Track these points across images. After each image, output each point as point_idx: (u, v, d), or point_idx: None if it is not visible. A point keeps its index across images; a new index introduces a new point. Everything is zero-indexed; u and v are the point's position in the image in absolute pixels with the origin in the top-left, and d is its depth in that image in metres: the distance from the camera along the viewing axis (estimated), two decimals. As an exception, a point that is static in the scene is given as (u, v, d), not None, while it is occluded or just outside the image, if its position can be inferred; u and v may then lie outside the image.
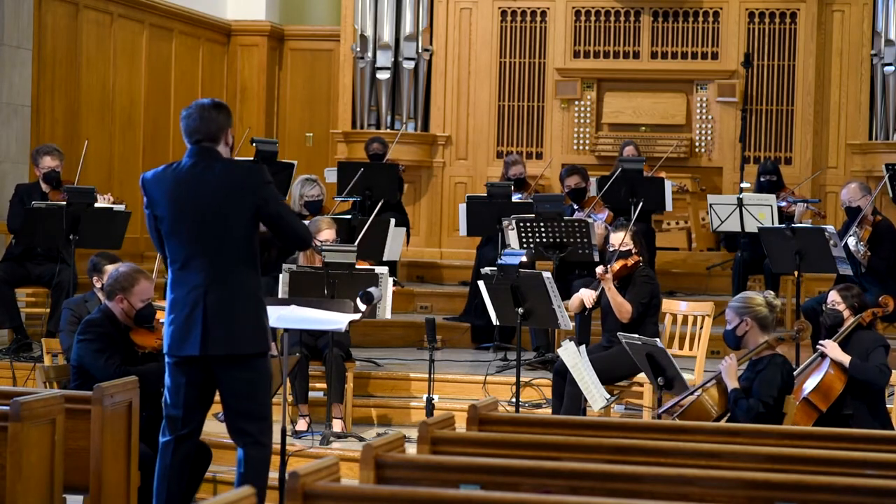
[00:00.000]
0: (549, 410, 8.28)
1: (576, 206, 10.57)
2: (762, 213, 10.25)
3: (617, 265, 8.13)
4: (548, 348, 9.39)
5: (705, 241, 12.37)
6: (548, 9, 12.97)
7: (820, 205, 11.36)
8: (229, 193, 5.57)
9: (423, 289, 11.75)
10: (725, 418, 6.66)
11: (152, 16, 12.31)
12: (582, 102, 12.86)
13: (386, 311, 8.07)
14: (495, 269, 7.86)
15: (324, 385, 8.17)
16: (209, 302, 5.54)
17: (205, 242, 5.57)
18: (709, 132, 12.70)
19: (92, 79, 11.47)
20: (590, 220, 9.35)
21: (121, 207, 9.25)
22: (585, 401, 7.54)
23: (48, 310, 9.18)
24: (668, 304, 8.55)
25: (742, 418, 6.47)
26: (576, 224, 9.17)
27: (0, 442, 5.20)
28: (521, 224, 9.19)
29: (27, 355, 9.14)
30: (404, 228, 10.87)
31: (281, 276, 7.90)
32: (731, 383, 6.63)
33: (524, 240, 9.16)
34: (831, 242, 8.66)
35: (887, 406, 7.31)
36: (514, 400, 7.99)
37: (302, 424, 8.09)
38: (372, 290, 6.67)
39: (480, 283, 8.08)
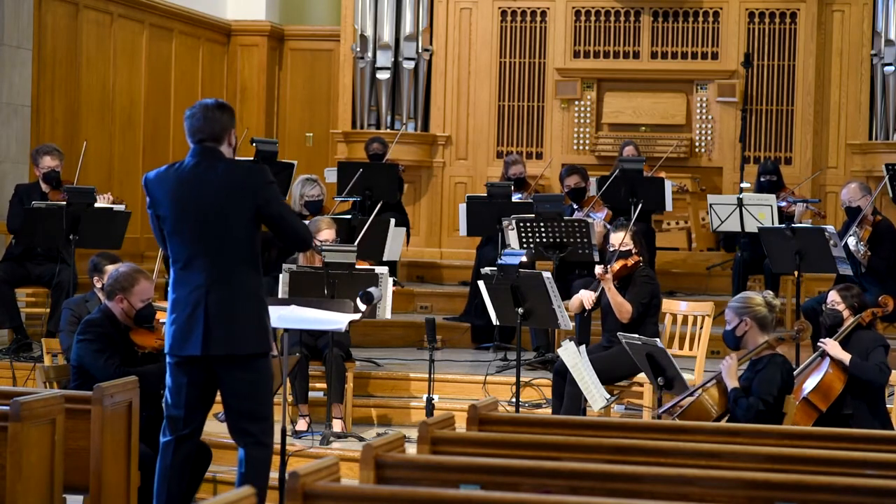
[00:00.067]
0: (549, 410, 8.28)
1: (575, 206, 10.57)
2: (762, 213, 10.25)
3: (617, 265, 8.13)
4: (548, 348, 9.39)
5: (705, 241, 12.37)
6: (548, 9, 12.97)
7: (820, 205, 11.36)
8: (231, 193, 5.57)
9: (423, 289, 11.75)
10: (725, 418, 6.66)
11: (152, 16, 12.31)
12: (582, 102, 12.86)
13: (386, 311, 8.07)
14: (495, 269, 7.86)
15: (324, 385, 8.17)
16: (211, 302, 5.55)
17: (207, 242, 5.58)
18: (709, 132, 12.71)
19: (92, 79, 11.47)
20: (589, 220, 9.35)
21: (121, 207, 9.25)
22: (585, 401, 7.54)
23: (48, 310, 9.18)
24: (668, 304, 8.55)
25: (742, 417, 6.47)
26: (576, 224, 9.17)
27: (0, 442, 5.20)
28: (521, 224, 9.19)
29: (27, 355, 9.14)
30: (404, 228, 10.87)
31: (281, 276, 7.90)
32: (731, 383, 6.63)
33: (524, 240, 9.16)
34: (831, 242, 8.66)
35: (887, 406, 7.31)
36: (514, 400, 7.99)
37: (302, 424, 8.09)
38: (372, 290, 6.67)
39: (480, 283, 8.08)
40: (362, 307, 6.55)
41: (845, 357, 7.17)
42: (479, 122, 13.08)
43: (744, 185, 11.75)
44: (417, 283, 12.11)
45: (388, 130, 12.86)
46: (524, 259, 7.96)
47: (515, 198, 10.53)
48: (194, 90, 12.95)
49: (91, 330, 6.49)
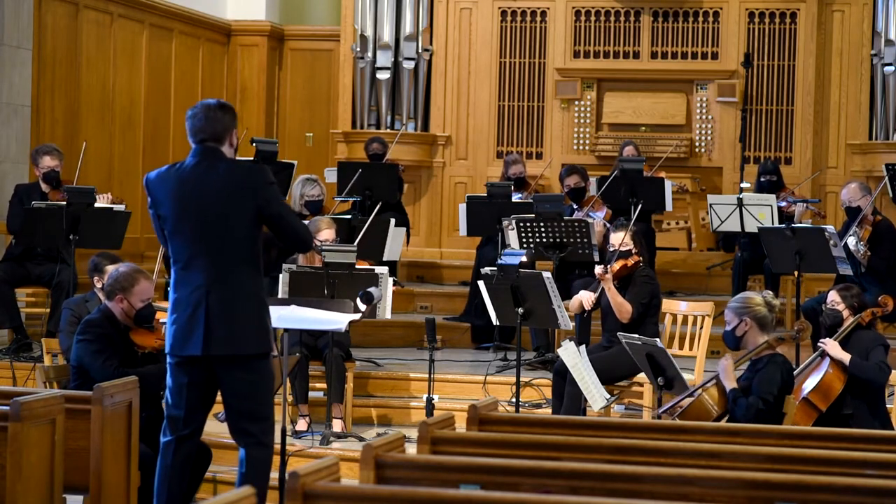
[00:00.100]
0: (549, 410, 8.28)
1: (575, 206, 10.57)
2: (762, 213, 10.25)
3: (617, 265, 8.13)
4: (548, 348, 9.39)
5: (705, 241, 12.37)
6: (548, 9, 12.97)
7: (820, 205, 11.36)
8: (232, 194, 5.57)
9: (423, 289, 11.75)
10: (725, 418, 6.66)
11: (152, 16, 12.31)
12: (582, 102, 12.86)
13: (386, 311, 8.07)
14: (495, 269, 7.86)
15: (324, 385, 8.17)
16: (211, 302, 5.55)
17: (207, 242, 5.58)
18: (709, 132, 12.71)
19: (92, 79, 11.47)
20: (589, 220, 9.35)
21: (121, 207, 9.24)
22: (585, 401, 7.54)
23: (48, 310, 9.18)
24: (668, 304, 8.55)
25: (741, 417, 6.47)
26: (576, 224, 9.17)
27: (0, 442, 5.20)
28: (521, 224, 9.19)
29: (27, 355, 9.14)
30: (404, 228, 10.87)
31: (281, 276, 7.89)
32: (730, 383, 6.63)
33: (524, 240, 9.16)
34: (831, 242, 8.66)
35: (887, 406, 7.31)
36: (514, 400, 7.99)
37: (302, 424, 8.09)
38: (372, 290, 6.67)
39: (480, 283, 8.08)
40: (362, 307, 6.55)
41: (845, 357, 7.17)
42: (479, 122, 13.08)
43: (744, 185, 11.75)
44: (417, 283, 12.11)
45: (388, 130, 12.86)
46: (524, 259, 7.96)
47: (515, 197, 10.53)
48: (194, 90, 12.95)
49: (90, 330, 6.49)
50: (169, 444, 5.72)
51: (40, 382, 6.73)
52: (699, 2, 12.71)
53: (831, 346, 7.24)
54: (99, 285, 7.42)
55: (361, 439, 7.85)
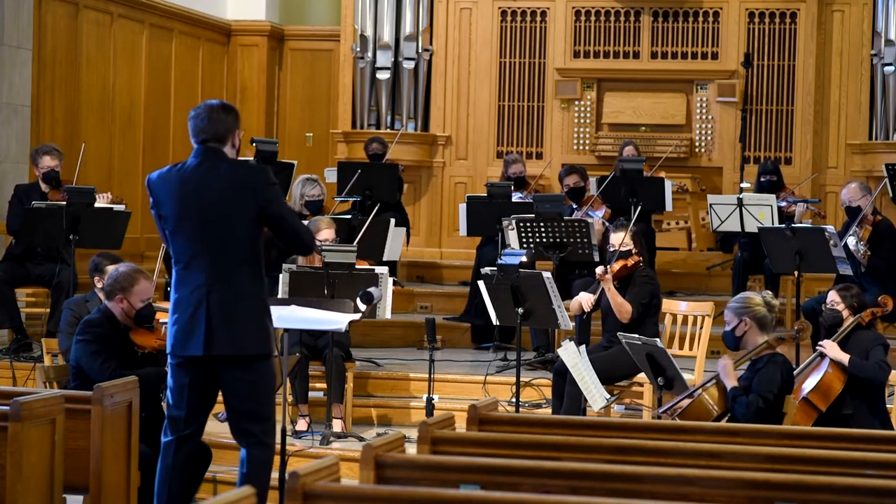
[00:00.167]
0: (549, 410, 8.28)
1: (574, 206, 10.57)
2: (762, 213, 10.25)
3: (617, 265, 8.13)
4: (548, 348, 9.39)
5: (705, 241, 12.37)
6: (548, 9, 12.97)
7: (820, 205, 11.36)
8: (233, 194, 5.57)
9: (423, 289, 11.75)
10: (726, 418, 6.66)
11: (152, 16, 12.31)
12: (582, 102, 12.86)
13: (386, 311, 8.07)
14: (495, 269, 7.86)
15: (324, 385, 8.17)
16: (212, 302, 5.55)
17: (208, 242, 5.58)
18: (709, 132, 12.71)
19: (92, 79, 11.47)
20: (589, 220, 9.35)
21: (121, 207, 9.24)
22: (585, 401, 7.54)
23: (48, 310, 9.18)
24: (668, 304, 8.55)
25: (741, 416, 6.47)
26: (576, 224, 9.17)
27: (0, 442, 5.20)
28: (521, 224, 9.19)
29: (27, 355, 9.14)
30: (404, 228, 10.87)
31: (281, 276, 7.89)
32: (730, 382, 6.64)
33: (524, 240, 9.16)
34: (831, 242, 8.66)
35: (887, 406, 7.31)
36: (514, 400, 7.99)
37: (302, 424, 8.09)
38: (372, 290, 6.67)
39: (480, 283, 8.08)
40: (362, 307, 6.55)
41: (844, 358, 7.17)
42: (479, 122, 13.08)
43: (744, 185, 11.75)
44: (417, 283, 12.11)
45: (388, 130, 12.86)
46: (524, 259, 7.96)
47: (515, 197, 10.53)
48: (194, 90, 12.95)
49: (90, 330, 6.49)
50: (170, 445, 5.72)
51: (40, 382, 6.73)
52: (699, 2, 12.71)
53: (829, 347, 7.24)
54: (100, 285, 7.41)
55: (361, 439, 7.85)
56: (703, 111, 12.70)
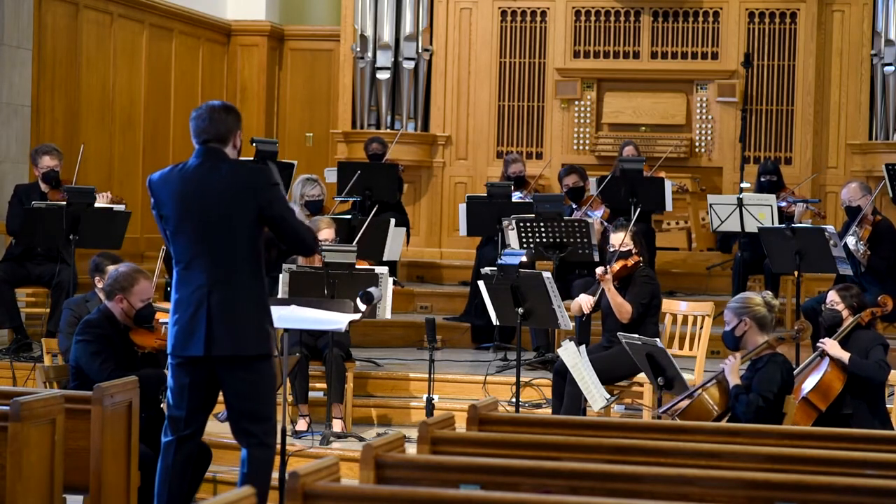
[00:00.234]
0: (549, 410, 8.28)
1: (574, 206, 10.58)
2: (762, 213, 10.25)
3: (617, 265, 8.13)
4: (548, 348, 9.39)
5: (705, 241, 12.37)
6: (548, 9, 12.97)
7: (820, 205, 11.36)
8: (234, 194, 5.57)
9: (423, 289, 11.75)
10: (726, 418, 6.66)
11: (152, 16, 12.31)
12: (582, 102, 12.86)
13: (386, 311, 8.07)
14: (495, 269, 7.86)
15: (324, 385, 8.17)
16: (213, 302, 5.54)
17: (209, 242, 5.58)
18: (709, 132, 12.71)
19: (92, 79, 11.47)
20: (588, 220, 9.36)
21: (121, 207, 9.24)
22: (585, 401, 7.54)
23: (48, 310, 9.18)
24: (668, 304, 8.55)
25: (742, 415, 6.48)
26: (576, 224, 9.17)
27: (0, 442, 5.20)
28: (521, 224, 9.19)
29: (27, 355, 9.14)
30: (404, 228, 10.88)
31: (281, 276, 7.89)
32: (734, 380, 6.64)
33: (524, 240, 9.16)
34: (831, 242, 8.66)
35: (887, 405, 7.31)
36: (514, 400, 7.99)
37: (302, 424, 8.09)
38: (372, 290, 6.67)
39: (480, 283, 8.08)
40: (362, 307, 6.55)
41: (844, 356, 7.17)
42: (479, 122, 13.08)
43: (744, 185, 11.75)
44: (417, 283, 12.11)
45: (388, 130, 12.86)
46: (524, 259, 7.96)
47: (515, 196, 10.53)
48: (194, 90, 12.95)
49: (89, 331, 6.49)
50: (170, 445, 5.72)
51: (40, 382, 6.73)
52: (699, 2, 12.71)
53: (830, 345, 7.24)
54: (100, 285, 7.41)
55: (361, 439, 7.85)
56: (703, 111, 12.70)
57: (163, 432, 5.76)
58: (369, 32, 13.09)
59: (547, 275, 7.72)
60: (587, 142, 12.83)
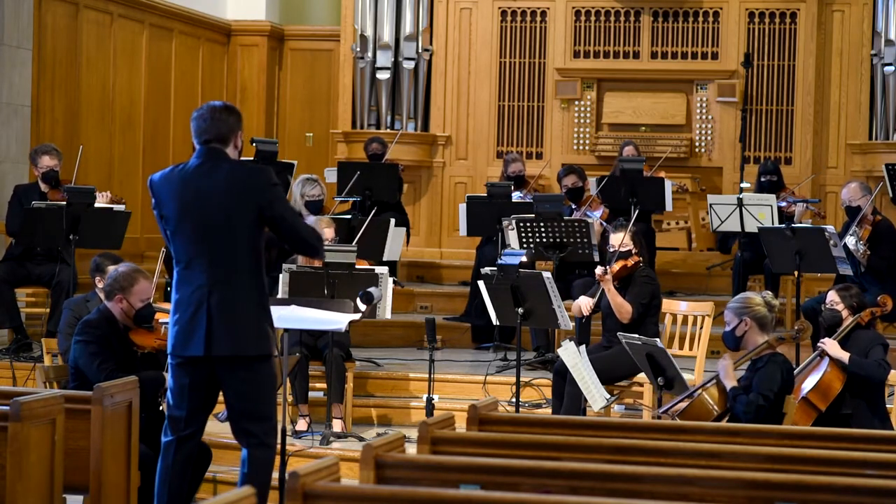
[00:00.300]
0: (549, 410, 8.28)
1: (573, 206, 10.58)
2: (762, 213, 10.25)
3: (617, 266, 8.13)
4: (548, 348, 9.39)
5: (705, 241, 12.37)
6: (548, 9, 12.97)
7: (820, 205, 11.36)
8: (235, 194, 5.57)
9: (423, 289, 11.75)
10: (726, 418, 6.66)
11: (152, 16, 12.32)
12: (582, 102, 12.86)
13: (386, 311, 8.07)
14: (495, 269, 7.86)
15: (324, 385, 8.17)
16: (213, 302, 5.54)
17: (209, 242, 5.58)
18: (709, 132, 12.71)
19: (92, 79, 11.47)
20: (588, 220, 9.36)
21: (121, 207, 9.25)
22: (585, 401, 7.54)
23: (48, 310, 9.18)
24: (668, 304, 8.55)
25: (742, 415, 6.47)
26: (576, 224, 9.17)
27: (0, 442, 5.20)
28: (521, 224, 9.19)
29: (27, 355, 9.14)
30: (404, 228, 10.87)
31: (281, 276, 7.89)
32: (730, 382, 6.64)
33: (524, 240, 9.16)
34: (831, 242, 8.66)
35: (887, 405, 7.31)
36: (514, 400, 7.99)
37: (302, 424, 8.09)
38: (372, 290, 6.66)
39: (480, 283, 8.08)
40: (362, 307, 6.55)
41: (844, 356, 7.17)
42: (479, 122, 13.08)
43: (744, 185, 11.75)
44: (417, 283, 12.11)
45: (388, 130, 12.86)
46: (524, 259, 7.96)
47: (515, 196, 10.53)
48: (194, 90, 12.95)
49: (88, 331, 6.48)
50: (170, 445, 5.72)
51: (40, 382, 6.73)
52: (699, 2, 12.71)
53: (830, 345, 7.24)
54: (100, 285, 7.41)
55: (361, 439, 7.85)
56: (703, 111, 12.70)
57: (163, 432, 5.75)
58: (369, 32, 13.09)
59: (547, 275, 7.72)
60: (587, 142, 12.83)
